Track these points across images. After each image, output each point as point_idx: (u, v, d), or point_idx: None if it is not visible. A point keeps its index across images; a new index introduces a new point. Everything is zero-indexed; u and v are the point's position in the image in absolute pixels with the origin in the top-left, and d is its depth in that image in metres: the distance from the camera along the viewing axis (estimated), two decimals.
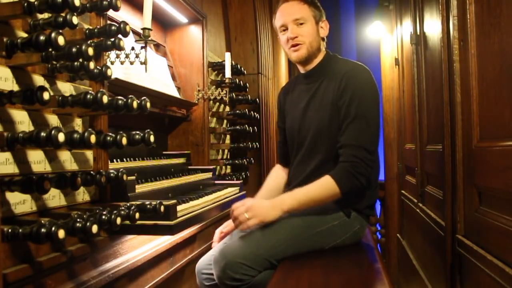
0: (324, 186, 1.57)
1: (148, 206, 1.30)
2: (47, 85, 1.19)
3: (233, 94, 2.94)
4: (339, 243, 1.64)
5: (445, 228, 1.72)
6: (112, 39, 1.27)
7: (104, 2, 1.25)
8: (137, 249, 1.65)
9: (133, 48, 1.56)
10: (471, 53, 1.43)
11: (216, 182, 2.48)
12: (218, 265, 1.51)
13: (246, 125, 2.94)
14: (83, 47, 1.04)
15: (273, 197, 1.63)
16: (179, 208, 1.56)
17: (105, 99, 1.12)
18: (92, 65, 1.13)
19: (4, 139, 0.94)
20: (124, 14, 2.08)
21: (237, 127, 2.92)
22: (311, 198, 1.57)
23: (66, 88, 1.28)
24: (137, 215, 1.22)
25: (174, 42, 2.65)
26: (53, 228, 0.92)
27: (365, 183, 1.58)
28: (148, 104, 1.25)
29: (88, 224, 1.02)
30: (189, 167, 2.42)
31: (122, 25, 1.26)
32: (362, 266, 1.51)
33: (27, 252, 1.08)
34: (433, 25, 2.02)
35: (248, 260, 1.49)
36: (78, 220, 1.01)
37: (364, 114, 1.62)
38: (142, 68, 1.61)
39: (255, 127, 3.05)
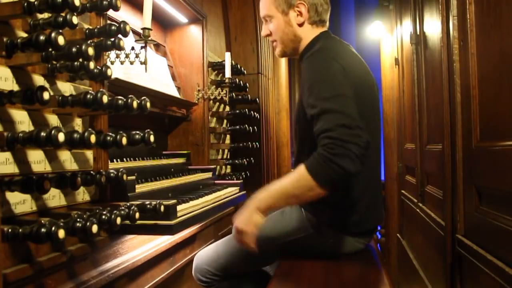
0: (296, 177, 1.28)
1: (148, 206, 1.30)
2: (47, 85, 1.19)
3: (233, 94, 2.94)
4: (311, 255, 1.54)
5: (445, 228, 1.72)
6: (112, 39, 1.27)
7: (104, 2, 1.25)
8: (137, 249, 1.65)
9: (133, 48, 1.56)
10: (471, 53, 1.43)
11: (216, 182, 2.48)
12: (193, 265, 1.69)
13: (246, 125, 2.94)
14: (83, 47, 1.04)
15: None
16: (179, 208, 1.56)
17: (105, 99, 1.12)
18: (92, 65, 1.13)
19: (4, 139, 0.94)
20: (124, 14, 2.08)
21: (237, 127, 2.92)
22: (286, 193, 1.31)
23: (66, 88, 1.28)
24: (137, 215, 1.22)
25: (174, 42, 2.65)
26: (53, 228, 0.92)
27: (351, 168, 1.21)
28: (148, 104, 1.25)
29: (88, 224, 1.02)
30: (189, 167, 2.42)
31: (122, 25, 1.26)
32: (362, 266, 1.51)
33: (27, 252, 1.08)
34: (433, 25, 2.02)
35: (211, 266, 1.61)
36: (78, 220, 1.01)
37: (324, 102, 1.30)
38: (142, 68, 1.61)
39: (255, 127, 3.05)
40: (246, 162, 3.01)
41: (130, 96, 1.21)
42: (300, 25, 1.57)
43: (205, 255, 1.65)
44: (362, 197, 1.50)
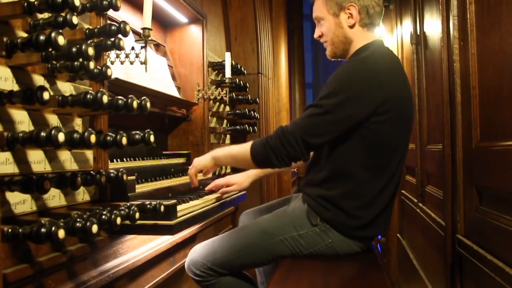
0: (244, 145, 1.58)
1: (148, 206, 1.29)
2: (47, 85, 1.19)
3: (233, 94, 2.93)
4: (308, 254, 1.56)
5: (445, 228, 1.72)
6: (112, 39, 1.27)
7: (104, 2, 1.24)
8: (137, 249, 1.65)
9: (133, 48, 1.56)
10: (471, 53, 1.43)
11: None
12: (187, 259, 1.67)
13: (246, 125, 2.94)
14: (83, 47, 1.04)
15: None
16: (179, 208, 1.56)
17: (105, 99, 1.12)
18: (92, 65, 1.13)
19: (4, 139, 0.94)
20: (124, 14, 2.08)
21: (237, 127, 2.92)
22: (232, 155, 1.66)
23: (66, 88, 1.28)
24: (137, 215, 1.22)
25: (174, 42, 2.65)
26: (53, 228, 0.92)
27: (276, 162, 1.47)
28: (148, 104, 1.25)
29: (88, 224, 1.02)
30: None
31: (122, 25, 1.26)
32: (362, 266, 1.51)
33: (27, 252, 1.08)
34: (433, 25, 2.02)
35: (206, 260, 1.59)
36: (78, 220, 1.01)
37: (326, 106, 1.41)
38: (142, 68, 1.61)
39: (255, 127, 3.05)
40: None
41: (130, 96, 1.21)
42: (351, 27, 1.58)
43: (202, 249, 1.64)
44: (371, 205, 1.51)
